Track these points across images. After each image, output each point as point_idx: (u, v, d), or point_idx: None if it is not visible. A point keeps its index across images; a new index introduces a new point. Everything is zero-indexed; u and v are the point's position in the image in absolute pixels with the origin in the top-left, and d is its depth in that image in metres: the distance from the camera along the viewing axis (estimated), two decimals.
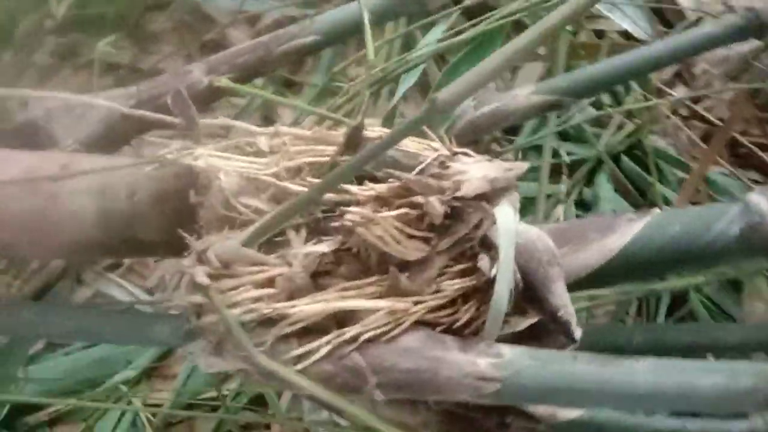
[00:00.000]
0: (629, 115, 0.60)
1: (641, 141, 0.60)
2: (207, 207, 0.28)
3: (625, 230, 0.33)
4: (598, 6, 0.61)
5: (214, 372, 0.26)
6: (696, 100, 0.63)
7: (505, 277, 0.29)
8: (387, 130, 0.30)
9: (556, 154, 0.58)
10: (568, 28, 0.59)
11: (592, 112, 0.62)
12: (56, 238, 0.29)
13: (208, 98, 0.34)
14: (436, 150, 0.30)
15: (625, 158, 0.60)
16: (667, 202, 0.58)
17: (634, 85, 0.60)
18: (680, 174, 0.60)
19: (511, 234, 0.29)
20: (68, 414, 0.59)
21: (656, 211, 0.33)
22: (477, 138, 0.39)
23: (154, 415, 0.56)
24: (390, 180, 0.28)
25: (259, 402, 0.58)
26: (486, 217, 0.28)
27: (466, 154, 0.30)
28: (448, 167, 0.29)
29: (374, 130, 0.29)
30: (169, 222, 0.28)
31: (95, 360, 0.57)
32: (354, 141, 0.27)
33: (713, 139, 0.62)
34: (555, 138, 0.59)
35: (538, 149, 0.57)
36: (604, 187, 0.58)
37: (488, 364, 0.26)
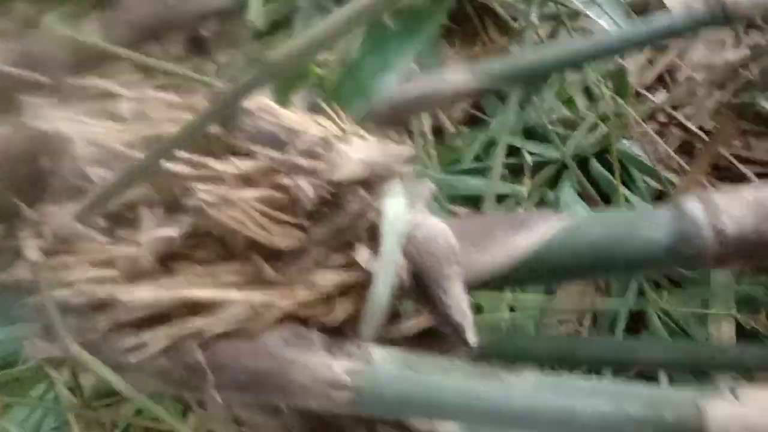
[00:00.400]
0: (604, 118, 0.57)
1: (611, 146, 0.56)
2: (59, 176, 0.25)
3: (538, 230, 0.30)
4: (577, 2, 0.58)
5: (43, 356, 0.23)
6: (676, 107, 0.60)
7: (385, 273, 0.26)
8: (273, 104, 0.27)
9: (518, 152, 0.56)
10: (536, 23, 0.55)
11: (561, 111, 0.59)
12: None
13: (98, 57, 0.31)
14: (323, 127, 0.27)
15: (594, 162, 0.57)
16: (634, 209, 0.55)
17: (607, 88, 0.57)
18: (652, 183, 0.57)
19: (397, 226, 0.26)
20: None
21: (576, 212, 0.30)
22: (401, 121, 0.36)
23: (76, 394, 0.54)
24: (259, 158, 0.25)
25: None
26: (367, 206, 0.25)
27: (359, 135, 0.27)
28: (333, 148, 0.26)
29: (259, 102, 0.26)
30: (17, 188, 0.26)
31: (15, 337, 0.55)
32: (218, 107, 0.24)
33: (700, 158, 0.59)
34: (520, 136, 0.56)
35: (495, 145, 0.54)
36: (567, 191, 0.55)
37: (344, 369, 0.23)
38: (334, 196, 0.25)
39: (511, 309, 0.50)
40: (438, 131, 0.54)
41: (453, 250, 0.28)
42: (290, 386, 0.22)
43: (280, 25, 0.56)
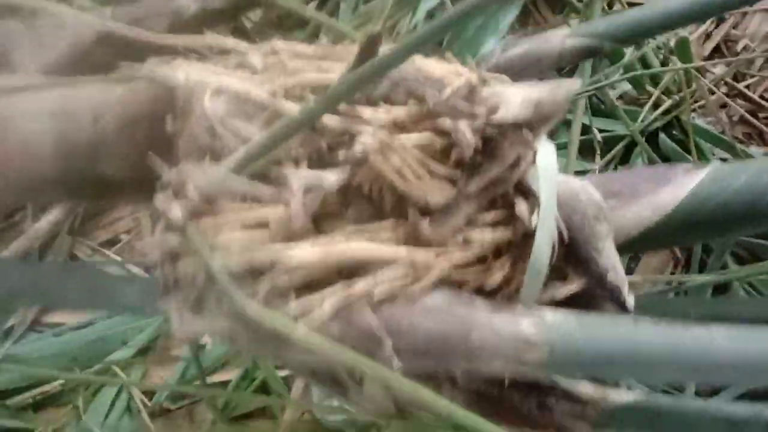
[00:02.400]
0: (667, 91, 0.56)
1: (679, 119, 0.55)
2: (187, 135, 0.23)
3: (682, 182, 0.28)
4: None
5: (191, 333, 0.21)
6: (737, 78, 0.59)
7: (546, 228, 0.24)
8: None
9: (588, 130, 0.54)
10: None
11: (626, 87, 0.58)
12: (8, 171, 0.24)
13: (196, 29, 0.30)
14: (463, 75, 0.25)
15: (663, 136, 0.56)
16: None
17: (673, 59, 0.56)
18: (722, 154, 0.56)
19: (553, 176, 0.25)
20: (55, 397, 0.56)
21: (716, 162, 0.29)
22: None
23: (150, 398, 0.53)
24: (409, 103, 0.23)
25: (264, 390, 0.55)
26: (525, 153, 0.24)
27: (500, 80, 0.25)
28: (479, 93, 0.24)
29: (389, 46, 0.25)
30: (141, 154, 0.24)
31: (87, 341, 0.55)
32: (369, 53, 0.22)
33: None
34: (587, 114, 0.55)
35: (567, 124, 0.53)
36: (639, 166, 0.54)
37: (531, 324, 0.21)
38: (489, 143, 0.24)
39: None
40: None
41: (600, 206, 0.27)
42: (474, 346, 0.21)
43: (324, 8, 0.54)
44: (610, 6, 0.60)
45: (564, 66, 0.46)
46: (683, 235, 0.29)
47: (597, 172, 0.53)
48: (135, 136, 0.24)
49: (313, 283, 0.22)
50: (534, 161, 0.25)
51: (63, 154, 0.24)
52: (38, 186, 0.25)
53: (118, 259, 0.60)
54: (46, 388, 0.57)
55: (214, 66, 0.24)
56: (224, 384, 0.55)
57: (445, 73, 0.25)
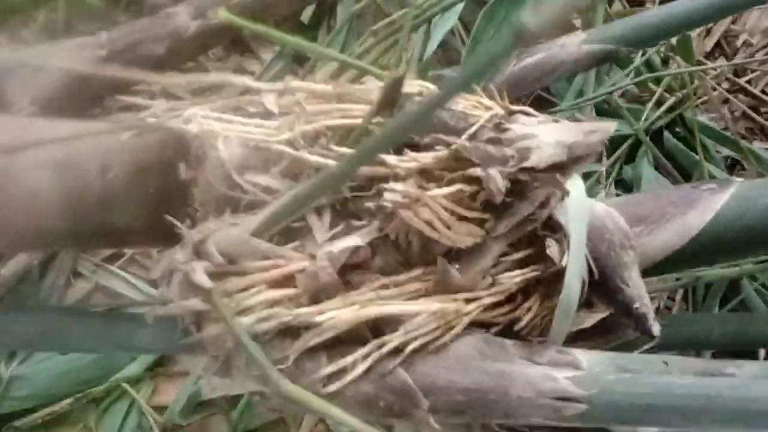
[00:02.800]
0: (670, 89, 0.56)
1: (683, 116, 0.55)
2: (202, 185, 0.22)
3: (707, 204, 0.28)
4: None
5: (220, 394, 0.20)
6: (738, 73, 0.59)
7: (577, 266, 0.24)
8: (427, 84, 0.24)
9: None
10: None
11: (629, 85, 0.57)
12: (9, 225, 0.23)
13: (196, 48, 0.28)
14: (488, 108, 0.24)
15: (667, 134, 0.56)
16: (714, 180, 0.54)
17: (676, 57, 0.56)
18: (725, 151, 0.56)
19: (584, 212, 0.24)
20: (65, 416, 0.56)
21: (738, 181, 0.28)
22: (519, 95, 0.34)
23: (161, 414, 0.52)
24: (436, 148, 0.22)
25: None
26: (554, 193, 0.23)
27: (525, 113, 0.24)
28: (506, 130, 0.23)
29: (412, 84, 0.24)
30: (154, 204, 0.23)
31: (94, 359, 0.54)
32: (393, 97, 0.21)
33: None
34: (591, 112, 0.54)
35: None
36: (644, 166, 0.54)
37: (568, 378, 0.21)
38: (518, 186, 0.23)
39: None
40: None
41: (626, 234, 0.27)
42: (513, 402, 0.20)
43: (322, 18, 0.53)
44: (609, 4, 0.59)
45: (579, 72, 0.45)
46: (709, 257, 0.29)
47: (603, 172, 0.53)
48: (146, 184, 0.23)
49: (344, 340, 0.21)
50: (563, 198, 0.24)
51: (71, 207, 0.23)
52: (46, 238, 0.24)
53: (123, 274, 0.59)
54: (55, 408, 0.57)
55: (225, 109, 0.23)
56: (237, 398, 0.55)
57: (468, 105, 0.24)
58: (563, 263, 0.23)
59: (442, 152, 0.22)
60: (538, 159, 0.22)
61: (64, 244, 0.24)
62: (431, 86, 0.24)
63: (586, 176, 0.55)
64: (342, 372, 0.20)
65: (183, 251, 0.21)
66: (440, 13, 0.36)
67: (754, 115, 0.58)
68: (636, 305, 0.25)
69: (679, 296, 0.54)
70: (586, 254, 0.24)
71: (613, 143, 0.57)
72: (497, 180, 0.22)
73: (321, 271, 0.21)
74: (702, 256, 0.28)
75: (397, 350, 0.21)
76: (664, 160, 0.56)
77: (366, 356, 0.21)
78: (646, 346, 0.26)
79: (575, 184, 0.25)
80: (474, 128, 0.23)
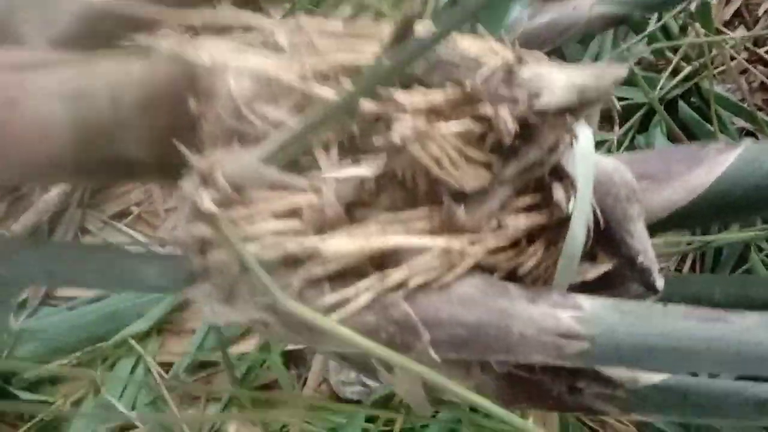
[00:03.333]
0: (686, 58, 0.55)
1: (699, 86, 0.54)
2: (211, 117, 0.23)
3: (713, 163, 0.28)
4: None
5: (224, 324, 0.21)
6: (758, 43, 0.58)
7: (582, 214, 0.24)
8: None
9: None
10: None
11: (645, 52, 0.57)
12: (18, 155, 0.23)
13: None
14: (498, 53, 0.24)
15: (682, 104, 0.55)
16: None
17: (695, 24, 0.55)
18: (741, 123, 0.55)
19: (590, 160, 0.24)
20: (73, 370, 0.57)
21: (748, 141, 0.28)
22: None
23: (167, 370, 0.53)
24: (446, 87, 0.22)
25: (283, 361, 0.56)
26: (564, 138, 0.23)
27: (538, 59, 0.24)
28: (517, 74, 0.23)
29: (422, 24, 0.24)
30: (162, 136, 0.23)
31: (102, 315, 0.55)
32: (404, 34, 0.21)
33: None
34: None
35: None
36: (657, 135, 0.54)
37: (571, 318, 0.21)
38: (527, 128, 0.23)
39: None
40: None
41: (632, 188, 0.27)
42: (514, 339, 0.21)
43: None
44: None
45: (591, 34, 0.44)
46: (713, 216, 0.29)
47: (615, 141, 0.52)
48: (156, 117, 0.23)
49: (347, 273, 0.22)
50: (571, 144, 0.24)
51: (80, 137, 0.23)
52: (54, 168, 0.24)
53: (130, 231, 0.60)
54: (63, 361, 0.58)
55: (237, 44, 0.23)
56: (243, 355, 0.56)
57: (480, 51, 0.24)
58: (569, 210, 0.24)
59: (453, 91, 0.22)
60: (548, 100, 0.22)
61: (71, 174, 0.24)
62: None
63: (598, 144, 0.54)
64: (345, 302, 0.21)
65: (191, 180, 0.22)
66: None
67: None
68: (640, 258, 0.26)
69: (688, 263, 0.54)
70: (592, 203, 0.25)
71: (627, 112, 0.56)
72: (507, 119, 0.22)
73: (327, 204, 0.21)
74: (707, 214, 0.28)
75: (400, 285, 0.21)
76: (678, 131, 0.56)
77: (369, 288, 0.21)
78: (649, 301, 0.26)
79: (584, 134, 0.25)
80: (485, 70, 0.23)
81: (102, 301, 0.59)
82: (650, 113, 0.56)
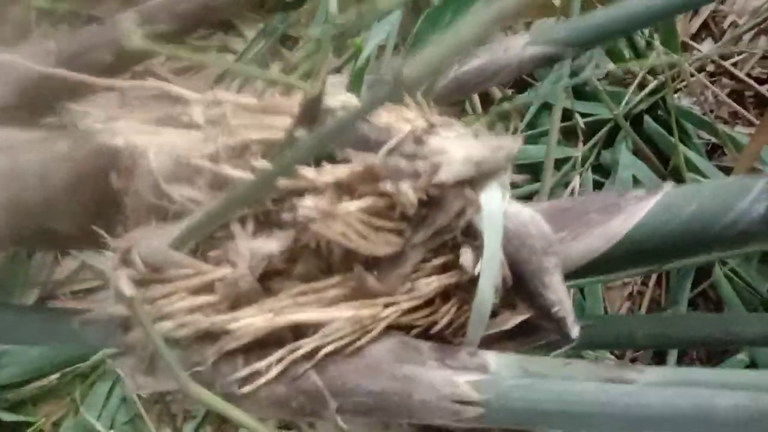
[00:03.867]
0: (652, 72, 0.55)
1: (665, 100, 0.55)
2: (132, 194, 0.24)
3: (632, 211, 0.29)
4: None
5: (146, 393, 0.22)
6: (724, 56, 0.58)
7: (490, 274, 0.25)
8: (352, 97, 0.25)
9: (571, 115, 0.54)
10: None
11: (609, 67, 0.57)
12: None
13: (143, 54, 0.29)
14: (410, 121, 0.25)
15: (647, 119, 0.56)
16: (693, 166, 0.54)
17: (657, 40, 0.55)
18: (706, 136, 0.56)
19: (498, 223, 0.25)
20: (53, 390, 0.59)
21: (668, 187, 0.29)
22: (463, 98, 0.35)
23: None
24: (353, 162, 0.24)
25: None
26: (469, 204, 0.24)
27: (448, 126, 0.25)
28: (424, 143, 0.24)
29: (336, 97, 0.25)
30: (89, 211, 0.25)
31: None
32: (311, 112, 0.22)
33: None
34: (569, 97, 0.54)
35: (549, 109, 0.52)
36: (623, 151, 0.54)
37: (469, 384, 0.22)
38: (433, 197, 0.24)
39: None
40: (485, 96, 0.53)
41: (548, 240, 0.28)
42: (415, 406, 0.22)
43: None
44: None
45: (524, 74, 0.45)
46: (632, 262, 0.30)
47: (579, 157, 0.53)
48: (81, 193, 0.25)
49: (262, 341, 0.23)
50: (479, 207, 0.25)
51: (13, 212, 0.25)
52: None
53: (108, 252, 0.62)
54: (43, 382, 0.60)
55: (156, 120, 0.25)
56: None
57: (391, 120, 0.25)
58: (476, 271, 0.25)
59: (357, 167, 0.23)
60: (447, 174, 0.23)
61: (8, 245, 0.26)
62: (355, 100, 0.25)
63: (562, 161, 0.55)
64: (257, 374, 0.22)
65: (111, 260, 0.23)
66: (375, 22, 0.36)
67: (730, 101, 0.58)
68: (556, 308, 0.27)
69: (652, 282, 0.55)
70: (502, 260, 0.26)
71: (592, 127, 0.57)
72: (408, 194, 0.23)
73: (240, 278, 0.23)
74: (626, 261, 0.29)
75: (313, 353, 0.23)
76: (643, 145, 0.56)
77: (280, 360, 0.22)
78: (566, 348, 0.28)
79: (492, 195, 0.26)
80: (392, 143, 0.24)
81: None
82: (616, 128, 0.57)
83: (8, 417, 0.59)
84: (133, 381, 0.23)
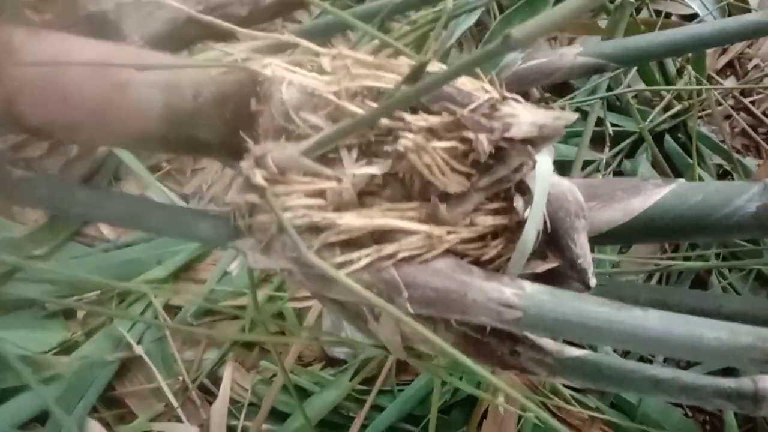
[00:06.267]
0: (678, 97, 0.63)
1: (685, 124, 0.62)
2: (266, 116, 0.31)
3: (650, 194, 0.36)
4: None
5: (258, 269, 0.29)
6: (744, 93, 0.65)
7: (535, 220, 0.32)
8: (445, 67, 0.33)
9: (601, 123, 0.61)
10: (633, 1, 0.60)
11: (643, 87, 0.64)
12: (120, 127, 0.32)
13: (275, 12, 0.37)
14: (488, 92, 0.32)
15: (668, 138, 0.63)
16: None
17: (688, 68, 0.62)
18: (718, 161, 0.63)
19: (546, 181, 0.32)
20: (90, 306, 0.65)
21: (681, 180, 0.36)
22: (521, 90, 0.42)
23: (176, 314, 0.62)
24: (443, 114, 0.31)
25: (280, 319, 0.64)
26: (527, 161, 0.32)
27: (516, 99, 0.32)
28: (498, 109, 0.32)
29: (434, 65, 0.32)
30: (228, 126, 0.32)
31: (124, 260, 0.63)
32: (419, 73, 0.29)
33: None
34: (602, 107, 0.61)
35: (584, 115, 0.60)
36: (643, 162, 0.61)
37: (512, 293, 0.29)
38: (500, 151, 0.31)
39: None
40: (525, 96, 0.60)
41: (581, 206, 0.35)
42: (468, 303, 0.29)
43: None
44: (638, 11, 0.66)
45: (573, 78, 0.52)
46: (643, 236, 0.37)
47: (604, 161, 0.60)
48: (225, 110, 0.32)
49: (353, 242, 0.30)
50: (533, 167, 0.32)
51: (168, 119, 0.32)
52: (143, 140, 0.33)
53: (159, 185, 0.69)
54: (81, 297, 0.66)
55: (291, 63, 0.32)
56: (243, 308, 0.65)
57: (473, 88, 0.32)
58: (525, 216, 0.32)
59: (447, 118, 0.30)
60: (516, 132, 0.30)
61: (157, 146, 0.33)
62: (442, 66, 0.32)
63: (587, 163, 0.62)
64: (349, 262, 0.29)
65: (247, 161, 0.30)
66: (465, 14, 0.43)
67: (752, 133, 0.65)
68: (579, 261, 0.34)
69: (654, 280, 0.62)
70: (544, 213, 0.33)
71: (618, 137, 0.64)
72: (484, 143, 0.30)
73: (344, 190, 0.30)
74: (639, 233, 0.36)
75: (391, 256, 0.30)
76: (662, 159, 0.63)
77: (368, 255, 0.29)
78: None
79: (544, 160, 0.33)
80: (474, 104, 0.31)
81: (127, 247, 0.67)
82: (638, 142, 0.64)
83: (45, 324, 0.65)
84: (251, 257, 0.30)
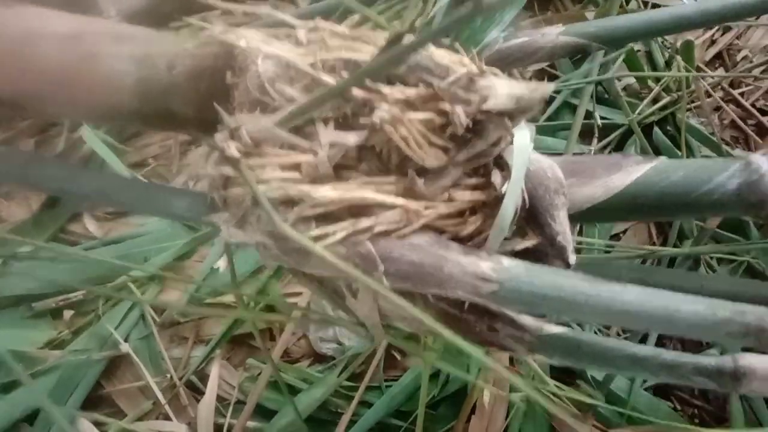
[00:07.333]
0: (667, 89, 0.63)
1: (674, 116, 0.62)
2: (242, 89, 0.31)
3: (631, 170, 0.36)
4: None
5: (234, 242, 0.29)
6: (733, 85, 0.65)
7: (513, 195, 0.32)
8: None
9: (590, 115, 0.62)
10: None
11: (631, 80, 0.65)
12: (91, 99, 0.32)
13: None
14: (465, 65, 0.32)
15: (656, 130, 0.63)
16: None
17: (678, 58, 0.63)
18: (707, 153, 0.63)
19: (525, 156, 0.33)
20: (78, 304, 0.65)
21: (663, 158, 0.37)
22: (503, 69, 0.42)
23: (162, 312, 0.61)
24: (420, 86, 0.31)
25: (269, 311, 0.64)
26: (505, 135, 0.32)
27: (494, 73, 0.33)
28: (475, 82, 0.32)
29: (409, 38, 0.32)
30: (204, 99, 0.31)
31: (113, 257, 0.63)
32: (395, 44, 0.29)
33: None
34: (591, 100, 0.62)
35: (572, 108, 0.60)
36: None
37: (488, 266, 0.29)
38: (478, 125, 0.31)
39: (578, 250, 0.57)
40: None
41: (561, 183, 0.35)
42: (444, 277, 0.29)
43: None
44: (627, 1, 0.66)
45: (555, 59, 0.53)
46: (625, 213, 0.37)
47: (592, 154, 0.60)
48: (199, 83, 0.32)
49: (329, 215, 0.30)
50: (512, 142, 0.33)
51: (141, 92, 0.32)
52: (118, 113, 0.33)
53: (144, 180, 0.68)
54: (69, 295, 0.66)
55: (268, 35, 0.32)
56: (230, 306, 0.65)
57: (451, 62, 0.32)
58: (503, 191, 0.32)
59: (423, 89, 0.30)
60: (493, 104, 0.30)
61: (130, 120, 0.33)
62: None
63: (576, 155, 0.63)
64: (325, 236, 0.29)
65: (221, 133, 0.30)
66: None
67: (741, 124, 0.65)
68: (559, 238, 0.34)
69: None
70: (523, 189, 0.33)
71: (607, 129, 0.65)
72: (461, 115, 0.30)
73: (320, 163, 0.30)
74: (619, 210, 0.36)
75: (367, 229, 0.30)
76: (651, 152, 0.64)
77: (344, 228, 0.29)
78: None
79: (523, 134, 0.33)
80: (452, 77, 0.31)
81: (114, 245, 0.67)
82: (627, 134, 0.64)
83: (31, 324, 0.65)
84: (226, 231, 0.30)
